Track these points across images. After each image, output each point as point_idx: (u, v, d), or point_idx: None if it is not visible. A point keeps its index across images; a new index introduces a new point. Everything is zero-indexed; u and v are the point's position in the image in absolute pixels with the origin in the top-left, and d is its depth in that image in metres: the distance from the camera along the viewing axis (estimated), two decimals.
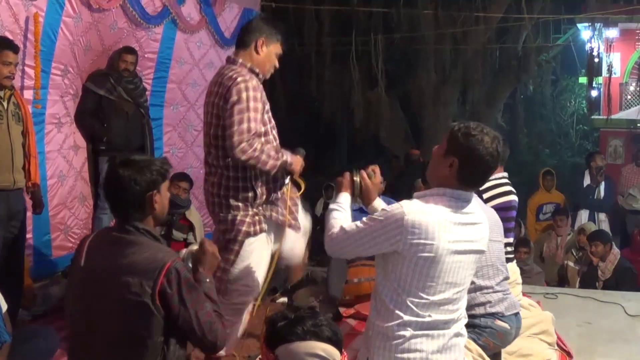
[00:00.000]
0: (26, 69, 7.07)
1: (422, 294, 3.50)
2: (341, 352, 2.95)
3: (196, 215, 8.70)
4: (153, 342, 3.49)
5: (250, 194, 5.11)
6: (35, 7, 7.03)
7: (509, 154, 6.38)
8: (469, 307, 4.75)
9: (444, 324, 3.60)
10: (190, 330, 3.56)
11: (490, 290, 4.95)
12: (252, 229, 5.11)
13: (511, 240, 6.25)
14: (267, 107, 5.14)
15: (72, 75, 7.89)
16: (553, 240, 11.40)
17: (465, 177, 3.58)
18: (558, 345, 6.52)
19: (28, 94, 7.05)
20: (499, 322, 4.94)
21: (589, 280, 9.71)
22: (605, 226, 11.69)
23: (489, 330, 4.82)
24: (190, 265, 3.94)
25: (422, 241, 3.43)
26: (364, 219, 3.64)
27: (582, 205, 12.00)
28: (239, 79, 4.93)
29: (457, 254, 3.54)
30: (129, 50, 8.31)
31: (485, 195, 5.91)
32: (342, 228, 3.72)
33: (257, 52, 5.14)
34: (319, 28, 17.09)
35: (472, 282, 4.78)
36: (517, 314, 5.12)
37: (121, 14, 8.27)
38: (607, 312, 8.05)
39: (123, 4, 8.16)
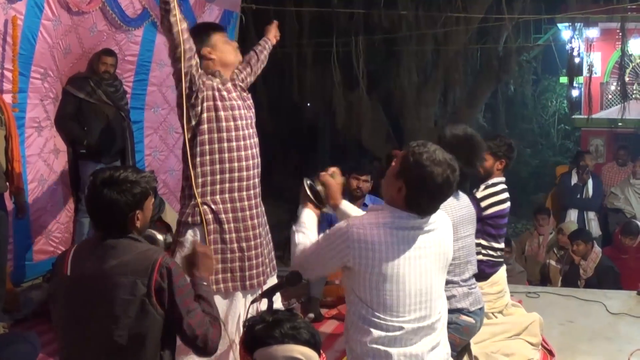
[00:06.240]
0: (5, 72, 7.03)
1: (387, 309, 3.50)
2: (320, 354, 2.93)
3: (172, 214, 8.61)
4: (152, 344, 3.47)
5: (190, 183, 5.05)
6: (14, 10, 6.99)
7: (514, 158, 6.39)
8: None
9: (416, 335, 3.58)
10: (180, 331, 3.53)
11: (456, 285, 4.91)
12: (190, 219, 5.02)
13: (502, 245, 6.26)
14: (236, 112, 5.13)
15: (52, 78, 7.85)
16: (535, 239, 11.45)
17: (413, 204, 3.54)
18: (541, 345, 6.55)
19: (7, 98, 7.02)
20: (463, 317, 4.92)
21: (570, 279, 9.75)
22: (594, 225, 11.77)
23: (453, 326, 4.77)
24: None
25: (370, 255, 3.43)
26: (318, 238, 3.68)
27: (570, 204, 12.04)
28: None
29: (415, 260, 3.52)
30: (109, 52, 8.27)
31: (483, 203, 5.92)
32: (301, 251, 3.75)
33: (210, 59, 5.19)
34: (300, 30, 17.07)
35: None
36: (481, 308, 5.12)
37: (101, 16, 8.23)
38: (589, 310, 8.08)
39: (102, 7, 8.12)
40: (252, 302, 3.85)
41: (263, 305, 3.72)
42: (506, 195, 6.17)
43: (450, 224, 3.86)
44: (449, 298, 4.81)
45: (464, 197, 5.12)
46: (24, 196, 6.90)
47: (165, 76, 9.73)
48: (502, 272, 6.38)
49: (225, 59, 5.22)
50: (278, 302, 5.36)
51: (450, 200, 4.81)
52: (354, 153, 21.22)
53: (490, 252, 6.10)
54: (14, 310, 6.90)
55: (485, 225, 5.88)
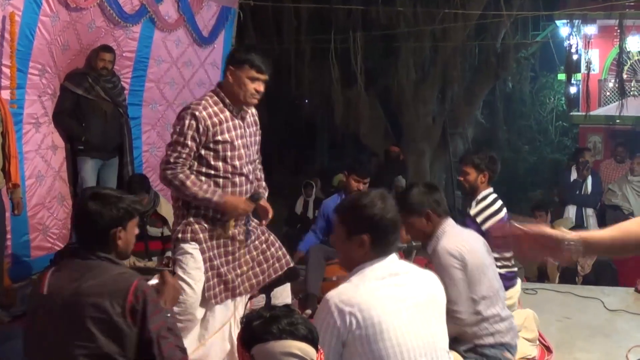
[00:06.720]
0: (3, 68, 7.02)
1: None
2: (317, 350, 2.93)
3: (167, 207, 8.60)
4: None
5: (181, 204, 5.21)
6: (12, 6, 6.97)
7: (499, 169, 6.41)
8: (478, 337, 4.77)
9: None
10: (149, 355, 3.52)
11: (498, 319, 4.91)
12: (181, 235, 5.15)
13: (510, 254, 6.26)
14: (226, 135, 5.13)
15: (50, 74, 7.84)
16: None
17: (380, 246, 3.54)
18: (538, 340, 6.55)
19: (4, 94, 7.01)
20: (507, 355, 4.93)
21: (568, 276, 9.75)
22: (592, 222, 11.76)
23: None
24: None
25: (359, 317, 3.33)
26: None
27: (569, 200, 12.04)
28: (189, 106, 5.10)
29: (405, 312, 3.44)
30: (107, 48, 8.27)
31: (478, 219, 5.94)
32: None
33: (228, 81, 5.17)
34: (298, 26, 17.08)
35: (479, 313, 4.81)
36: (516, 342, 5.14)
37: (99, 12, 8.22)
38: (586, 307, 8.08)
39: (101, 3, 8.10)
40: (250, 298, 3.87)
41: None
42: (499, 204, 6.19)
43: (429, 272, 3.84)
44: (493, 334, 4.85)
45: (471, 233, 5.19)
46: (20, 193, 6.91)
47: (163, 72, 9.74)
48: (517, 286, 6.40)
49: (236, 93, 5.16)
50: (289, 299, 5.47)
51: (465, 232, 4.97)
52: (352, 149, 21.24)
53: (505, 263, 6.12)
54: (12, 306, 6.91)
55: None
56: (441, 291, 3.75)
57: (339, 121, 18.11)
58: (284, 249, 5.65)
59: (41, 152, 7.85)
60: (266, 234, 5.57)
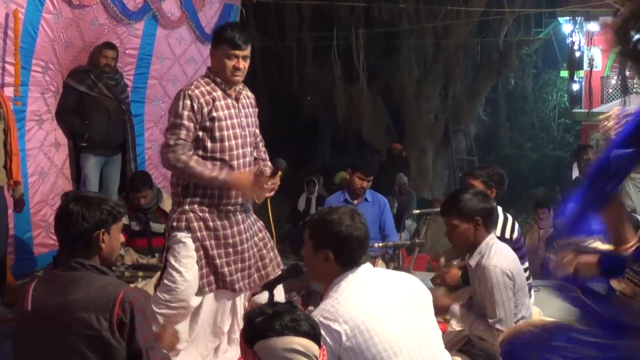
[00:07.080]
0: (6, 65, 7.04)
1: None
2: (320, 347, 2.94)
3: (169, 202, 8.57)
4: None
5: (180, 190, 5.19)
6: (15, 3, 6.99)
7: (504, 190, 6.37)
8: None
9: None
10: None
11: None
12: (175, 223, 5.15)
13: (526, 265, 6.23)
14: (220, 113, 5.14)
15: (53, 72, 7.86)
16: (535, 233, 11.44)
17: (346, 260, 3.52)
18: None
19: (8, 91, 7.03)
20: None
21: None
22: None
23: None
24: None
25: (345, 327, 3.32)
26: None
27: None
28: (182, 89, 5.17)
29: (392, 315, 3.43)
30: (109, 45, 8.28)
31: (506, 236, 5.89)
32: None
33: (213, 62, 5.28)
34: (300, 23, 17.09)
35: None
36: None
37: (102, 10, 8.22)
38: None
39: (104, 0, 8.12)
40: (253, 295, 3.87)
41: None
42: (510, 219, 6.13)
43: (406, 274, 3.84)
44: None
45: (507, 249, 5.15)
46: (21, 190, 6.91)
47: (166, 70, 9.75)
48: (532, 298, 6.38)
49: (220, 73, 5.20)
50: (282, 296, 5.45)
51: (516, 259, 4.96)
52: (354, 147, 21.23)
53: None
54: (14, 303, 6.92)
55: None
56: (424, 290, 3.70)
57: (341, 118, 18.13)
58: (275, 250, 5.66)
59: (44, 149, 7.87)
60: (263, 232, 5.58)
